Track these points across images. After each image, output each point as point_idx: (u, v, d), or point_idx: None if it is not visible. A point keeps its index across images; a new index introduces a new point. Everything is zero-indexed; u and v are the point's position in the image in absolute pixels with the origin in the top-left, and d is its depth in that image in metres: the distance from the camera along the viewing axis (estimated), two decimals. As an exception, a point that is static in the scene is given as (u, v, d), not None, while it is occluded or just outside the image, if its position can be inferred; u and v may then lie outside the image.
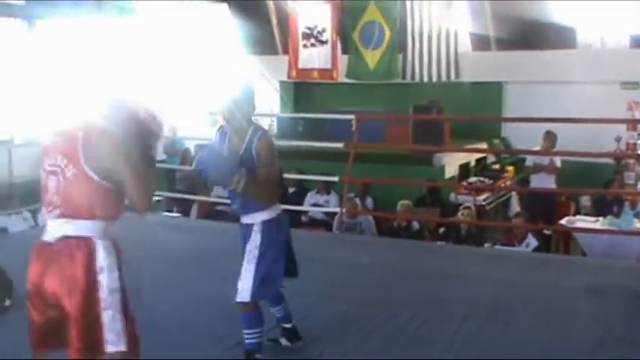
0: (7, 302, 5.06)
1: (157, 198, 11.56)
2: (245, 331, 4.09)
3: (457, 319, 5.01)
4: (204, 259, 6.63)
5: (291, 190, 11.41)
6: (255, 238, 4.02)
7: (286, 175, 10.02)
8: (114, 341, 2.87)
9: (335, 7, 13.53)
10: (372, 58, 13.39)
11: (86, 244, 2.87)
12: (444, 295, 5.67)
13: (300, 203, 10.80)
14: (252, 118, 4.10)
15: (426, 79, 13.07)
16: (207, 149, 4.25)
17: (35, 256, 2.94)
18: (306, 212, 10.80)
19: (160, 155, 14.85)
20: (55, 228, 2.92)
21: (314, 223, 10.54)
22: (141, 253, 6.17)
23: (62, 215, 2.90)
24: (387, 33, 13.16)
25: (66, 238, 2.88)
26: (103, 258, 2.88)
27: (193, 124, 15.23)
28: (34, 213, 10.31)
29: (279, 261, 4.05)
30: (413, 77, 13.17)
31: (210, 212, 11.24)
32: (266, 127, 17.38)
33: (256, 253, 4.01)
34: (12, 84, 11.23)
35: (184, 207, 11.74)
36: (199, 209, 11.56)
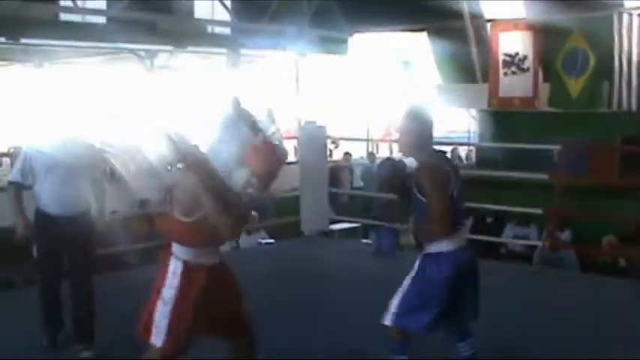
0: None
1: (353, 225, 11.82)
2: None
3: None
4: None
5: (489, 220, 11.25)
6: (414, 268, 4.09)
7: (484, 206, 9.93)
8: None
9: (537, 34, 13.24)
10: (574, 86, 12.94)
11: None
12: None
13: (499, 234, 10.62)
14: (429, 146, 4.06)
15: (634, 108, 12.45)
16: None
17: None
18: (505, 244, 10.60)
19: (358, 182, 15.13)
20: None
21: (513, 255, 10.32)
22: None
23: None
24: (592, 60, 12.67)
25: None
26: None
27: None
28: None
29: (433, 296, 3.95)
30: (620, 106, 12.58)
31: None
32: (463, 156, 17.28)
33: (409, 281, 4.06)
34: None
35: (381, 234, 11.82)
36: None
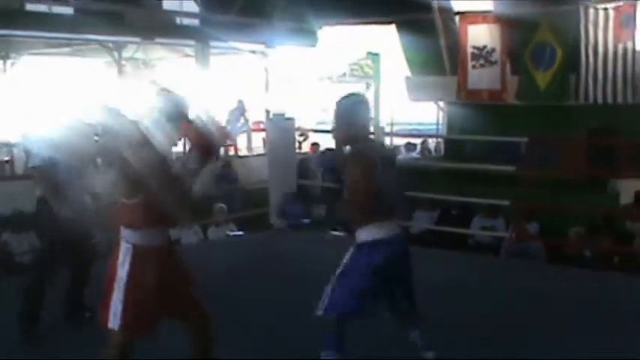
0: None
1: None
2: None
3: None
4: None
5: (454, 212, 11.30)
6: (346, 255, 4.07)
7: (451, 197, 9.99)
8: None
9: (505, 27, 13.31)
10: (543, 79, 13.03)
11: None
12: (622, 329, 5.43)
13: (466, 226, 10.67)
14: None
15: (600, 101, 12.56)
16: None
17: None
18: (472, 235, 10.66)
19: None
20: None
21: (480, 247, 10.38)
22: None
23: None
24: (559, 53, 12.78)
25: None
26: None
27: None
28: (205, 227, 10.76)
29: (363, 284, 3.94)
30: (586, 99, 12.69)
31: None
32: (432, 148, 17.35)
33: (340, 269, 4.04)
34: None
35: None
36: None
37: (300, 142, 15.59)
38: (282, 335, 5.13)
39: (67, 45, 15.99)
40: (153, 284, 3.56)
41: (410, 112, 19.45)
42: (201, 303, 3.86)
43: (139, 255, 3.57)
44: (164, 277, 3.60)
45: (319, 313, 4.02)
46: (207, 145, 3.57)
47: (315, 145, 15.80)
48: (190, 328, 3.84)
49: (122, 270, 3.56)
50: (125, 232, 3.61)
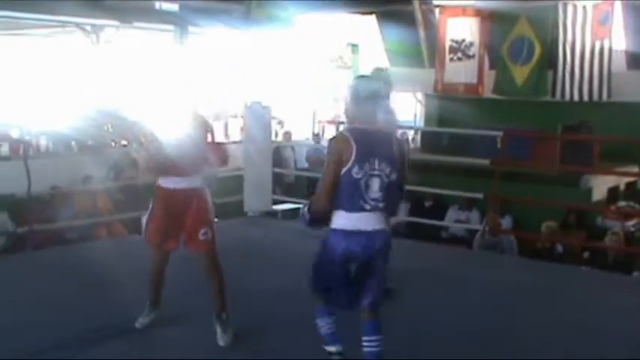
0: None
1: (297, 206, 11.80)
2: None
3: (601, 351, 4.83)
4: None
5: (427, 203, 11.35)
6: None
7: (426, 189, 10.02)
8: None
9: (484, 20, 13.34)
10: (520, 74, 13.09)
11: None
12: (586, 323, 5.49)
13: (440, 218, 10.72)
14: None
15: (576, 98, 12.63)
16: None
17: None
18: (446, 228, 10.71)
19: (304, 164, 15.12)
20: None
21: (454, 239, 10.44)
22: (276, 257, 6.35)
23: None
24: (537, 49, 12.85)
25: None
26: None
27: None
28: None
29: (327, 271, 3.95)
30: (563, 95, 12.76)
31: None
32: (410, 140, 17.40)
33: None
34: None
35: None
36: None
37: (276, 131, 15.58)
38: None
39: (44, 27, 15.82)
40: (160, 212, 4.89)
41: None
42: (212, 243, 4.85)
43: (157, 191, 4.94)
44: (171, 210, 4.85)
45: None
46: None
47: (287, 133, 15.78)
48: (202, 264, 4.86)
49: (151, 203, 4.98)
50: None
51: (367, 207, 3.85)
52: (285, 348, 4.75)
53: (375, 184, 3.85)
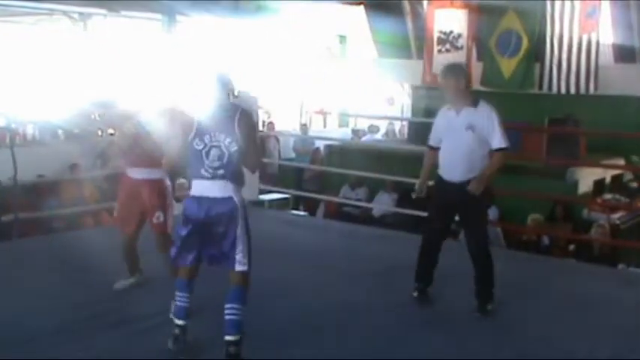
0: None
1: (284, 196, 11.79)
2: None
3: (585, 344, 4.86)
4: (320, 257, 6.66)
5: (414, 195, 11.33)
6: None
7: (413, 180, 9.99)
8: None
9: (472, 12, 13.35)
10: (507, 66, 13.11)
11: None
12: (572, 316, 5.52)
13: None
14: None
15: (563, 91, 12.67)
16: None
17: None
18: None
19: (290, 154, 15.12)
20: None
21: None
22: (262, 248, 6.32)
23: None
24: (525, 42, 12.86)
25: None
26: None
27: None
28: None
29: (179, 232, 4.42)
30: (550, 88, 12.79)
31: (337, 213, 11.32)
32: (397, 131, 17.37)
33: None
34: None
35: (311, 206, 11.87)
36: (326, 209, 11.66)
37: (263, 121, 15.55)
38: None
39: (29, 14, 15.70)
40: (123, 197, 5.57)
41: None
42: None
43: (122, 178, 5.58)
44: (131, 196, 5.46)
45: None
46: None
47: (270, 123, 15.75)
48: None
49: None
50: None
51: (207, 175, 4.28)
52: (272, 337, 4.75)
53: (215, 153, 4.27)
